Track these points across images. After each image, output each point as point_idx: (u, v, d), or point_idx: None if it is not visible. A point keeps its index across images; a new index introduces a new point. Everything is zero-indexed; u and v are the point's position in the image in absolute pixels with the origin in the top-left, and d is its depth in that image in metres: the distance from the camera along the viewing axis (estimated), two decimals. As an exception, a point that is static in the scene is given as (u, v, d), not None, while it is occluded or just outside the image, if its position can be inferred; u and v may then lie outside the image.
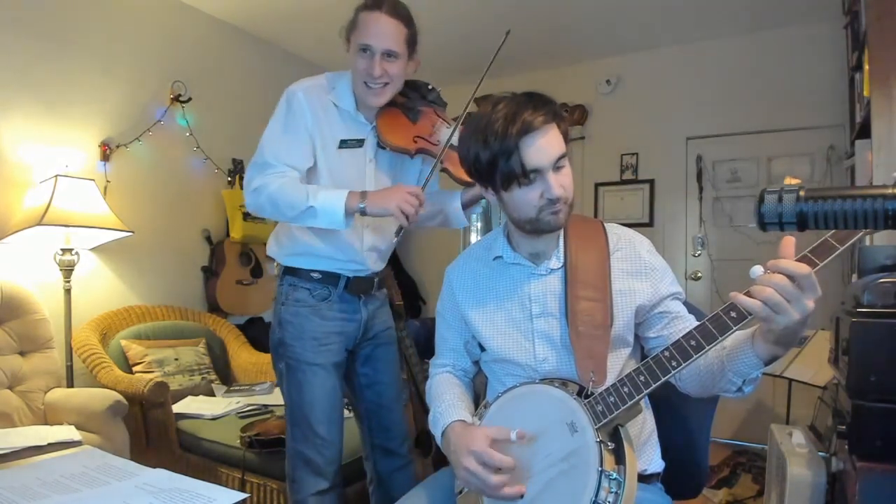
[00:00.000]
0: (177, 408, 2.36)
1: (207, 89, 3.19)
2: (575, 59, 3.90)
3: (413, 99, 1.49)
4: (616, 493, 0.82)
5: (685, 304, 1.09)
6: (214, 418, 2.33)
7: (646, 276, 1.06)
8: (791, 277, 0.74)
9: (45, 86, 2.49)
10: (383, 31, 1.33)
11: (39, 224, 2.20)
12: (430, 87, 1.52)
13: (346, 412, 1.59)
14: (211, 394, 2.64)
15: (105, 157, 2.70)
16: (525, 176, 0.97)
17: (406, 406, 1.93)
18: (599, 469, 0.82)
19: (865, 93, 1.93)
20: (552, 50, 3.68)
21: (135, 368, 2.50)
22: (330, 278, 1.49)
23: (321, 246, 1.47)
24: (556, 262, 1.07)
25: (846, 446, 1.17)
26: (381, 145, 1.45)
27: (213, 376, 2.76)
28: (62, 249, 2.39)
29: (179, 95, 3.02)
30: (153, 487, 0.95)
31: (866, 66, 1.90)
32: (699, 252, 3.58)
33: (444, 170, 1.43)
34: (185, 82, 3.04)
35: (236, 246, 3.26)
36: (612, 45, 3.69)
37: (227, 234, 3.26)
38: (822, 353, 2.03)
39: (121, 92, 2.80)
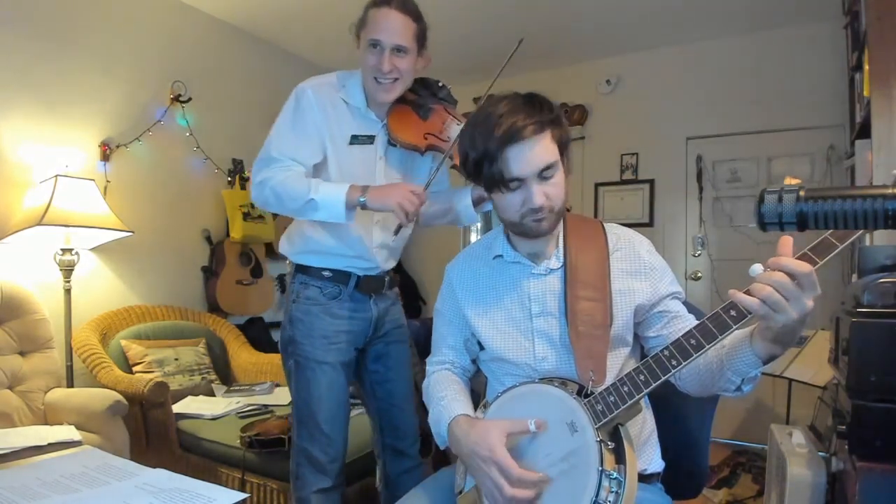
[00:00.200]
0: (177, 408, 2.36)
1: (207, 89, 3.20)
2: (575, 59, 3.90)
3: (424, 96, 1.49)
4: (616, 492, 0.82)
5: (685, 303, 1.09)
6: (214, 418, 2.33)
7: (645, 275, 1.06)
8: (791, 275, 0.74)
9: (45, 86, 2.49)
10: (392, 26, 1.34)
11: (39, 224, 2.20)
12: (440, 84, 1.53)
13: (354, 410, 1.59)
14: (211, 394, 2.64)
15: (105, 157, 2.70)
16: (506, 183, 0.98)
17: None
18: (600, 469, 0.82)
19: (865, 93, 1.93)
20: (552, 50, 3.69)
21: (135, 368, 2.50)
22: (341, 276, 1.50)
23: (331, 243, 1.48)
24: (555, 261, 1.07)
25: (846, 446, 1.17)
26: (391, 142, 1.46)
27: (213, 376, 2.76)
28: (62, 249, 2.39)
29: (179, 95, 3.02)
30: (153, 487, 0.95)
31: (866, 66, 1.90)
32: (699, 252, 3.58)
33: (454, 167, 1.44)
34: (185, 82, 3.04)
35: (236, 246, 3.26)
36: (612, 45, 3.69)
37: (227, 234, 3.26)
38: (822, 353, 2.03)
39: (121, 92, 2.80)
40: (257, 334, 3.35)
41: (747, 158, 3.49)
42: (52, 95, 2.52)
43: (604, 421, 0.87)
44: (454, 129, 1.46)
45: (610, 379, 0.96)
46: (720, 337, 0.82)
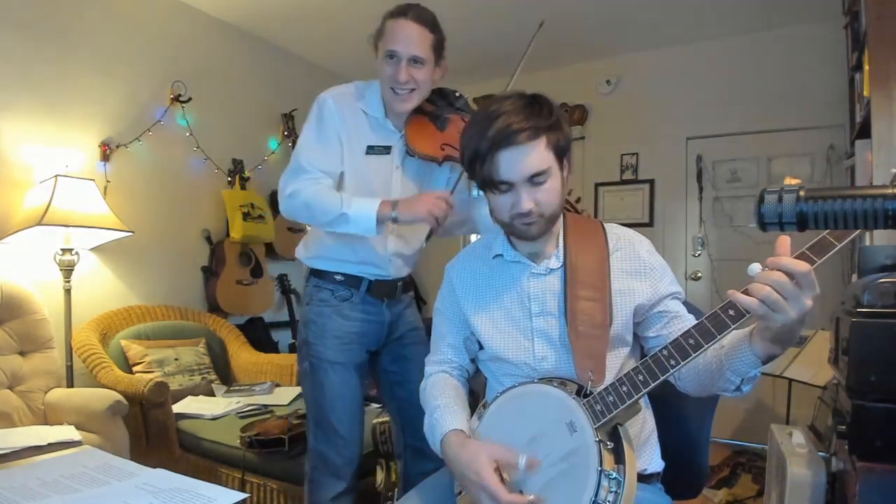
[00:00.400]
0: (177, 408, 2.36)
1: (207, 89, 3.19)
2: (575, 59, 3.90)
3: (441, 106, 1.51)
4: (616, 492, 0.82)
5: (685, 303, 1.09)
6: (214, 418, 2.33)
7: (645, 275, 1.06)
8: (790, 275, 0.74)
9: (45, 86, 2.49)
10: (409, 37, 1.36)
11: (39, 224, 2.20)
12: (457, 94, 1.55)
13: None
14: (211, 394, 2.64)
15: (105, 157, 2.70)
16: (496, 185, 0.99)
17: None
18: (599, 468, 0.82)
19: (865, 93, 1.93)
20: (552, 50, 3.68)
21: (135, 368, 2.50)
22: (352, 281, 1.52)
23: (344, 250, 1.50)
24: (555, 261, 1.07)
25: (846, 446, 1.17)
26: (409, 153, 1.47)
27: (213, 376, 2.76)
28: (62, 249, 2.39)
29: (179, 95, 3.02)
30: (153, 487, 0.95)
31: (866, 66, 1.90)
32: (699, 252, 3.58)
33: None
34: (185, 82, 3.04)
35: (236, 246, 3.26)
36: (612, 45, 3.69)
37: (227, 234, 3.26)
38: (822, 353, 2.02)
39: (121, 92, 2.80)
40: (257, 334, 3.35)
41: (747, 158, 3.48)
42: (52, 96, 2.52)
43: (603, 421, 0.87)
44: None
45: (609, 379, 0.96)
46: (718, 337, 0.82)
